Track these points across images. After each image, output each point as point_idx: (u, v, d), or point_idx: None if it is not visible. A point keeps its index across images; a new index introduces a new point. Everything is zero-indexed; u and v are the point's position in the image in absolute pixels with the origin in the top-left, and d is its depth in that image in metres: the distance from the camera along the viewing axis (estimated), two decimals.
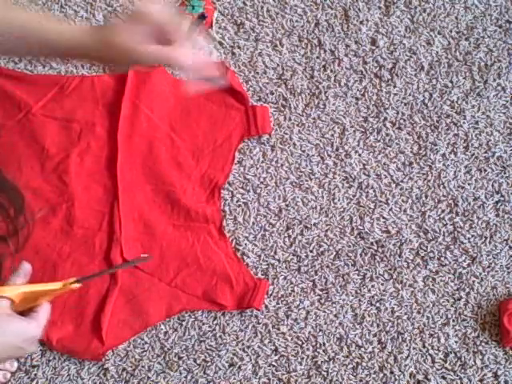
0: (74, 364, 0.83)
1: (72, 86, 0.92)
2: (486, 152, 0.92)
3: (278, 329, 0.85)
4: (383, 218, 0.89)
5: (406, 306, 0.86)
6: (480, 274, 0.87)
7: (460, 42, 0.97)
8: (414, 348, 0.84)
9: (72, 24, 0.73)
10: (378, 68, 0.96)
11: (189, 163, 0.90)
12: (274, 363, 0.84)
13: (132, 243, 0.86)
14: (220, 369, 0.83)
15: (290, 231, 0.89)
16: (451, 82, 0.95)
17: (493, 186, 0.91)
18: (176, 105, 0.93)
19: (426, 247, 0.88)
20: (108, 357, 0.83)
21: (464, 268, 0.88)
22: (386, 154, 0.92)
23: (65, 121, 0.91)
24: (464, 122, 0.93)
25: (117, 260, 0.85)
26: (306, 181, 0.91)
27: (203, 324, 0.85)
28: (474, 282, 0.87)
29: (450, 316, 0.86)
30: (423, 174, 0.91)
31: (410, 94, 0.94)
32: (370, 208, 0.90)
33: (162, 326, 0.85)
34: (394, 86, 0.95)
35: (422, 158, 0.92)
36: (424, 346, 0.85)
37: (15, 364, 0.82)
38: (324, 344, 0.84)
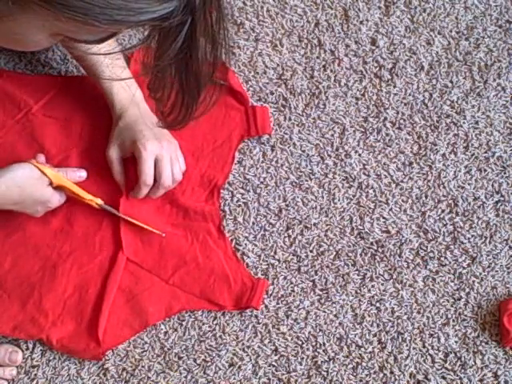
0: (74, 364, 0.83)
1: (72, 86, 0.92)
2: (486, 152, 0.92)
3: (278, 329, 0.85)
4: (383, 217, 0.89)
5: (406, 306, 0.86)
6: (480, 274, 0.87)
7: (460, 42, 0.97)
8: (414, 348, 0.84)
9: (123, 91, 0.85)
10: (377, 68, 0.96)
11: (188, 163, 0.90)
12: (274, 363, 0.84)
13: (132, 241, 0.86)
14: (220, 369, 0.83)
15: (290, 231, 0.89)
16: (451, 82, 0.95)
17: (493, 186, 0.91)
18: None
19: (426, 247, 0.88)
20: (108, 357, 0.83)
21: (464, 268, 0.88)
22: (386, 154, 0.92)
23: (65, 121, 0.90)
24: (464, 122, 0.93)
25: (117, 259, 0.85)
26: (306, 181, 0.91)
27: (203, 324, 0.85)
28: (473, 282, 0.87)
29: (450, 316, 0.86)
30: (423, 174, 0.91)
31: (410, 94, 0.94)
32: (369, 208, 0.90)
33: (162, 326, 0.85)
34: (394, 86, 0.95)
35: (422, 158, 0.92)
36: (424, 346, 0.85)
37: (14, 372, 0.82)
38: (324, 344, 0.84)
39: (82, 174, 0.82)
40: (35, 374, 0.83)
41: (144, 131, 0.82)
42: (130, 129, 0.83)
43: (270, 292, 0.86)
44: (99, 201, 0.83)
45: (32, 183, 0.77)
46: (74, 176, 0.81)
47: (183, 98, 0.60)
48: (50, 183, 0.78)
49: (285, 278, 0.87)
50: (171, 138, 0.86)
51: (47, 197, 0.79)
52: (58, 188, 0.80)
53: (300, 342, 0.84)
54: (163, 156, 0.82)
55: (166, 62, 0.53)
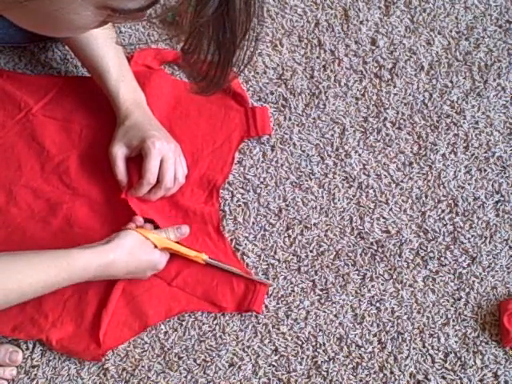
0: (74, 364, 0.83)
1: (72, 86, 0.92)
2: (485, 152, 0.92)
3: (278, 329, 0.85)
4: (383, 217, 0.89)
5: (406, 306, 0.86)
6: (480, 274, 0.87)
7: (460, 42, 0.97)
8: (414, 348, 0.84)
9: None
10: (378, 68, 0.96)
11: (188, 164, 0.89)
12: (274, 363, 0.84)
13: None
14: (220, 369, 0.83)
15: (290, 231, 0.89)
16: (451, 82, 0.95)
17: (493, 186, 0.91)
18: (175, 106, 0.93)
19: (426, 247, 0.88)
20: (108, 357, 0.83)
21: (464, 268, 0.88)
22: (386, 154, 0.92)
23: (65, 121, 0.91)
24: (464, 122, 0.93)
25: None
26: (306, 181, 0.91)
27: (203, 324, 0.85)
28: (473, 282, 0.87)
29: (450, 316, 0.86)
30: (423, 173, 0.91)
31: (410, 94, 0.94)
32: (369, 208, 0.90)
33: (162, 326, 0.85)
34: (394, 86, 0.95)
35: (422, 158, 0.92)
36: (424, 346, 0.85)
37: (14, 372, 0.82)
38: (324, 344, 0.84)
39: (185, 231, 0.82)
40: (35, 374, 0.83)
41: (153, 131, 0.83)
42: (139, 128, 0.83)
43: (270, 292, 0.86)
44: (204, 256, 0.83)
45: (140, 250, 0.77)
46: (177, 235, 0.81)
47: (219, 57, 0.59)
48: (155, 246, 0.79)
49: (285, 278, 0.87)
50: (175, 142, 0.87)
51: (156, 261, 0.80)
52: (163, 249, 0.81)
53: (300, 342, 0.84)
54: (169, 157, 0.83)
55: (205, 18, 0.52)
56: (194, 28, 0.54)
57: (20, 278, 0.69)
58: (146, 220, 0.84)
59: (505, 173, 0.92)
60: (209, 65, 0.60)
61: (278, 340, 0.84)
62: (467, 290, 0.87)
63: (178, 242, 0.82)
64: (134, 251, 0.77)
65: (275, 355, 0.84)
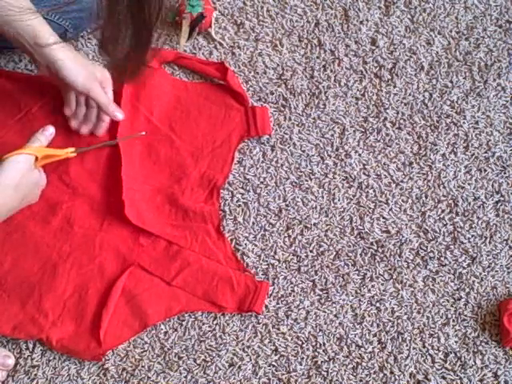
0: (74, 364, 0.83)
1: None
2: (486, 152, 0.92)
3: (278, 329, 0.85)
4: (383, 217, 0.89)
5: (406, 306, 0.86)
6: (480, 274, 0.87)
7: (460, 42, 0.97)
8: (414, 348, 0.84)
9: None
10: (378, 68, 0.96)
11: (188, 164, 0.90)
12: (274, 363, 0.84)
13: (132, 242, 0.86)
14: (220, 369, 0.83)
15: (290, 231, 0.89)
16: (451, 82, 0.95)
17: (493, 186, 0.91)
18: (175, 106, 0.93)
19: (426, 247, 0.88)
20: (108, 357, 0.83)
21: (464, 268, 0.88)
22: (386, 154, 0.92)
23: (65, 121, 0.90)
24: (464, 122, 0.93)
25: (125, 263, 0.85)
26: (306, 181, 0.91)
27: (203, 324, 0.85)
28: (473, 282, 0.87)
29: (450, 316, 0.86)
30: (423, 173, 0.91)
31: (410, 94, 0.94)
32: (369, 208, 0.90)
33: (162, 326, 0.85)
34: (394, 86, 0.95)
35: (421, 158, 0.92)
36: (424, 346, 0.85)
37: (9, 361, 0.82)
38: (324, 344, 0.84)
39: (52, 131, 0.81)
40: (35, 374, 0.83)
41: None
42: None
43: (270, 292, 0.86)
44: (70, 149, 0.84)
45: (20, 177, 0.76)
46: (47, 137, 0.81)
47: (137, 44, 0.62)
48: (36, 159, 0.78)
49: (285, 278, 0.87)
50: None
51: (37, 178, 0.80)
52: (41, 161, 0.81)
53: (300, 342, 0.84)
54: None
55: (121, 6, 0.54)
56: (112, 15, 0.56)
57: None
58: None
59: (505, 173, 0.92)
60: (128, 53, 0.62)
61: (278, 340, 0.84)
62: (467, 289, 0.87)
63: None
64: (16, 181, 0.75)
65: (275, 355, 0.84)
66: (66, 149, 0.84)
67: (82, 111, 0.89)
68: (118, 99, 0.90)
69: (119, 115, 0.86)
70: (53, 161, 0.83)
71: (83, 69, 0.81)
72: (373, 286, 0.87)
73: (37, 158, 0.79)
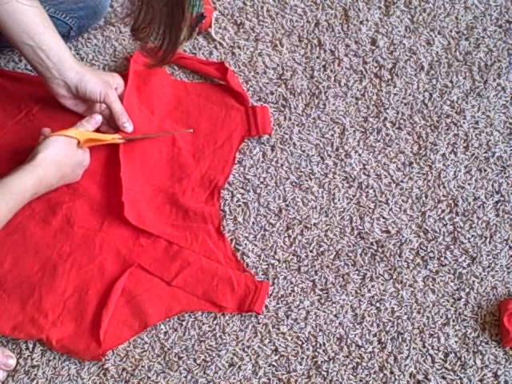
0: (74, 364, 0.83)
1: None
2: (486, 152, 0.92)
3: (278, 329, 0.85)
4: (383, 217, 0.89)
5: (406, 306, 0.86)
6: (480, 274, 0.87)
7: (460, 42, 0.97)
8: (414, 348, 0.84)
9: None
10: (378, 68, 0.96)
11: (189, 164, 0.90)
12: (274, 363, 0.84)
13: (132, 242, 0.86)
14: (220, 369, 0.83)
15: (290, 231, 0.89)
16: (451, 82, 0.95)
17: (493, 186, 0.91)
18: (176, 106, 0.93)
19: (426, 247, 0.88)
20: (108, 357, 0.83)
21: (464, 268, 0.88)
22: (386, 154, 0.92)
23: (65, 121, 0.90)
24: (464, 122, 0.93)
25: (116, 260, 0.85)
26: (306, 181, 0.91)
27: (203, 324, 0.85)
28: (473, 282, 0.87)
29: (450, 316, 0.86)
30: (423, 174, 0.91)
31: (410, 94, 0.94)
32: (370, 208, 0.90)
33: (162, 326, 0.85)
34: (394, 86, 0.95)
35: (422, 158, 0.92)
36: (424, 346, 0.85)
37: (11, 361, 0.82)
38: (324, 344, 0.84)
39: (98, 119, 0.84)
40: (35, 374, 0.83)
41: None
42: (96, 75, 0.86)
43: (270, 292, 0.86)
44: (118, 135, 0.86)
45: (63, 155, 0.79)
46: (93, 125, 0.84)
47: (171, 30, 0.64)
48: (78, 143, 0.82)
49: (285, 278, 0.87)
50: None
51: (81, 158, 0.83)
52: (84, 145, 0.84)
53: (300, 342, 0.84)
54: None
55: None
56: (146, 3, 0.58)
57: None
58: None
59: (505, 173, 0.92)
60: (162, 38, 0.64)
61: (278, 340, 0.84)
62: (467, 289, 0.87)
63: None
64: (59, 158, 0.79)
65: (275, 355, 0.84)
66: (113, 134, 0.86)
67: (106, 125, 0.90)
68: (119, 98, 0.90)
69: (128, 127, 0.86)
70: (99, 144, 0.86)
71: (98, 77, 0.84)
72: (373, 286, 0.87)
73: (79, 142, 0.82)
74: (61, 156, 0.79)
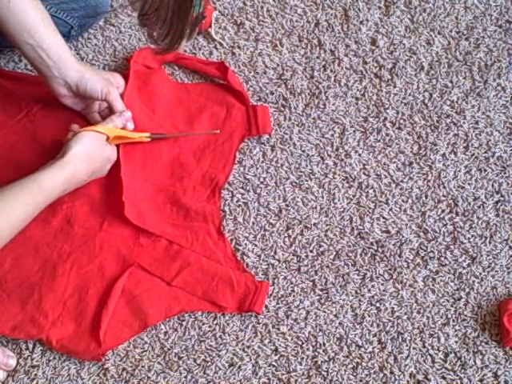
0: (74, 364, 0.83)
1: None
2: (485, 152, 0.92)
3: (278, 329, 0.85)
4: (383, 218, 0.89)
5: (406, 306, 0.86)
6: (480, 274, 0.87)
7: (460, 42, 0.97)
8: (414, 348, 0.84)
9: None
10: (378, 68, 0.96)
11: (190, 163, 0.90)
12: (274, 363, 0.84)
13: (132, 242, 0.86)
14: (220, 369, 0.83)
15: (290, 231, 0.89)
16: (451, 82, 0.95)
17: (493, 186, 0.91)
18: (177, 106, 0.93)
19: (426, 247, 0.88)
20: (108, 357, 0.83)
21: (464, 268, 0.88)
22: (386, 154, 0.92)
23: (66, 121, 0.90)
24: (464, 122, 0.93)
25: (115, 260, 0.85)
26: (306, 181, 0.91)
27: (203, 324, 0.85)
28: (473, 282, 0.87)
29: (450, 316, 0.86)
30: (423, 174, 0.91)
31: (410, 94, 0.94)
32: (369, 208, 0.90)
33: (162, 326, 0.85)
34: (394, 86, 0.95)
35: (422, 158, 0.92)
36: (424, 346, 0.85)
37: (11, 361, 0.82)
38: (324, 344, 0.84)
39: (128, 115, 0.85)
40: (35, 374, 0.83)
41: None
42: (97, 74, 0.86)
43: (270, 292, 0.86)
44: (146, 134, 0.87)
45: (93, 151, 0.80)
46: (123, 121, 0.84)
47: (178, 16, 0.65)
48: (107, 139, 0.82)
49: (285, 278, 0.87)
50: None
51: (109, 154, 0.83)
52: (113, 142, 0.84)
53: (300, 342, 0.84)
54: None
55: None
56: None
57: (7, 216, 0.72)
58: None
59: (505, 173, 0.92)
60: (169, 25, 0.65)
61: (278, 340, 0.84)
62: (467, 289, 0.87)
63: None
64: (89, 155, 0.79)
65: (275, 355, 0.84)
66: (142, 133, 0.86)
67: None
68: (121, 97, 0.90)
69: (130, 125, 0.86)
70: (126, 142, 0.86)
71: (99, 75, 0.84)
72: (373, 286, 0.87)
73: (108, 138, 0.82)
74: (91, 152, 0.79)
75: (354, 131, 0.93)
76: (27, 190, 0.74)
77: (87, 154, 0.79)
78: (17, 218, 0.73)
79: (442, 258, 0.88)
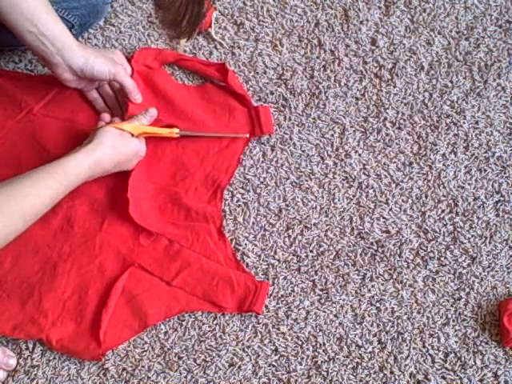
0: (74, 364, 0.83)
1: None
2: (486, 152, 0.92)
3: (278, 329, 0.85)
4: (383, 217, 0.89)
5: (406, 306, 0.86)
6: (480, 274, 0.87)
7: (460, 42, 0.97)
8: (414, 348, 0.84)
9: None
10: (378, 68, 0.96)
11: (193, 163, 0.90)
12: (274, 363, 0.84)
13: (132, 242, 0.86)
14: (220, 369, 0.83)
15: (290, 231, 0.89)
16: (451, 81, 0.95)
17: (493, 186, 0.91)
18: (179, 106, 0.92)
19: (426, 247, 0.88)
20: (108, 357, 0.83)
21: (464, 268, 0.88)
22: (386, 154, 0.92)
23: (66, 121, 0.91)
24: (464, 122, 0.93)
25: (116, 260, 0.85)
26: (306, 181, 0.91)
27: (203, 324, 0.85)
28: (473, 282, 0.87)
29: (450, 316, 0.86)
30: (423, 174, 0.91)
31: (410, 94, 0.94)
32: (370, 208, 0.90)
33: (162, 326, 0.85)
34: (394, 86, 0.95)
35: (422, 158, 0.92)
36: (424, 346, 0.85)
37: (12, 361, 0.82)
38: (324, 344, 0.84)
39: (153, 113, 0.86)
40: (35, 374, 0.83)
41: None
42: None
43: (270, 292, 0.86)
44: (176, 130, 0.88)
45: (120, 142, 0.81)
46: (148, 119, 0.85)
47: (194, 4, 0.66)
48: (132, 135, 0.83)
49: (285, 278, 0.87)
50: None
51: (137, 148, 0.84)
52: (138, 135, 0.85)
53: (300, 342, 0.84)
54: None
55: None
56: None
57: (32, 200, 0.71)
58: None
59: (505, 173, 0.92)
60: (185, 11, 0.64)
61: (278, 340, 0.84)
62: (467, 289, 0.87)
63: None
64: (116, 144, 0.80)
65: (275, 355, 0.84)
66: (172, 128, 0.87)
67: (103, 103, 0.91)
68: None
69: (139, 98, 0.88)
70: (154, 136, 0.87)
71: (103, 56, 0.84)
72: (373, 286, 0.87)
73: (132, 135, 0.83)
74: (117, 142, 0.80)
75: (354, 131, 0.93)
76: (53, 175, 0.74)
77: (114, 144, 0.80)
78: (40, 203, 0.72)
79: (442, 258, 0.88)
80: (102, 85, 0.89)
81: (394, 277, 0.87)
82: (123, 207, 0.85)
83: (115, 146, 0.80)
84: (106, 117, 0.86)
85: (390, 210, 0.90)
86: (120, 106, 0.90)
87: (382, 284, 0.87)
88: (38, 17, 0.77)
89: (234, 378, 0.83)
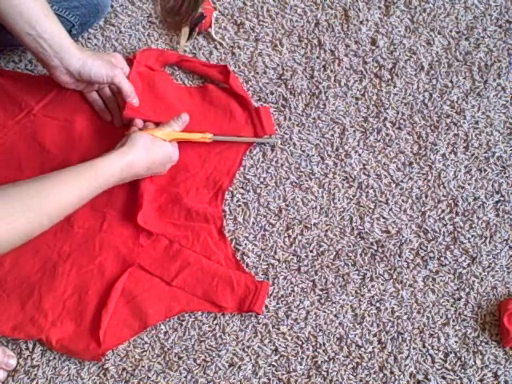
0: (74, 364, 0.83)
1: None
2: (486, 152, 0.92)
3: (278, 329, 0.85)
4: (383, 217, 0.89)
5: (406, 306, 0.86)
6: (480, 274, 0.87)
7: (460, 42, 0.97)
8: (414, 348, 0.84)
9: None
10: (378, 68, 0.96)
11: (195, 164, 0.90)
12: (274, 363, 0.84)
13: (132, 242, 0.86)
14: (220, 369, 0.83)
15: (290, 231, 0.89)
16: (451, 81, 0.95)
17: (493, 186, 0.91)
18: (180, 107, 0.92)
19: (426, 247, 0.88)
20: (108, 357, 0.83)
21: (464, 268, 0.88)
22: (386, 154, 0.92)
23: (66, 121, 0.91)
24: (464, 122, 0.93)
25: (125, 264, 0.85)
26: (306, 181, 0.91)
27: (203, 324, 0.85)
28: (473, 282, 0.87)
29: (450, 316, 0.86)
30: (423, 173, 0.91)
31: (410, 94, 0.94)
32: (370, 208, 0.90)
33: (162, 326, 0.85)
34: (394, 86, 0.95)
35: (422, 158, 0.92)
36: (424, 346, 0.85)
37: (12, 361, 0.82)
38: (324, 344, 0.84)
39: (185, 118, 0.86)
40: (35, 374, 0.83)
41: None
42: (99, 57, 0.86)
43: (270, 292, 0.86)
44: (209, 135, 0.88)
45: (153, 145, 0.81)
46: (180, 125, 0.86)
47: None
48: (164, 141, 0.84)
49: (285, 278, 0.87)
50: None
51: (171, 152, 0.84)
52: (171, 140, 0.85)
53: (300, 342, 0.84)
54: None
55: None
56: None
57: (59, 198, 0.71)
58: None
59: (505, 173, 0.92)
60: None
61: (278, 340, 0.84)
62: (467, 289, 0.87)
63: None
64: (149, 148, 0.80)
65: (275, 355, 0.84)
66: (204, 133, 0.88)
67: (102, 104, 0.91)
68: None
69: (136, 102, 0.88)
70: (188, 140, 0.87)
71: (101, 59, 0.84)
72: (373, 286, 0.87)
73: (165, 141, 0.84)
74: (150, 146, 0.80)
75: (354, 131, 0.93)
76: (84, 175, 0.74)
77: (147, 148, 0.80)
78: (68, 202, 0.72)
79: (442, 258, 0.88)
80: (102, 87, 0.89)
81: (394, 277, 0.87)
82: (123, 207, 0.85)
83: (148, 150, 0.80)
84: (139, 122, 0.86)
85: (390, 210, 0.90)
86: (120, 108, 0.90)
87: (382, 284, 0.87)
88: (36, 19, 0.77)
89: (234, 378, 0.83)
